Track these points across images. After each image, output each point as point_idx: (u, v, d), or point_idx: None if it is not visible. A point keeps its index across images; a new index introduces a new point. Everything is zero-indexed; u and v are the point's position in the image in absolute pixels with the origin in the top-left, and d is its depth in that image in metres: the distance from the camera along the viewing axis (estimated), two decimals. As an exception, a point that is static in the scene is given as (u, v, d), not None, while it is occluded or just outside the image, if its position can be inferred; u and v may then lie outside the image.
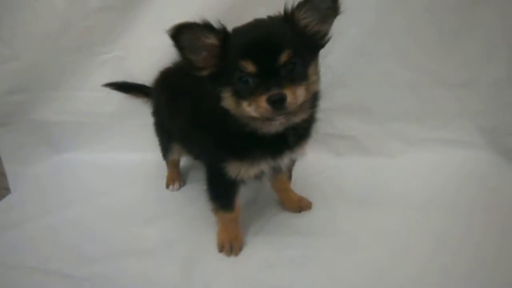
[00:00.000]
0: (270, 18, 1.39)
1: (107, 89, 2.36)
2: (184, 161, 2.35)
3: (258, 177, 1.63)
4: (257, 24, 1.38)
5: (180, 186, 2.22)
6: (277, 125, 1.41)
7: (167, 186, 2.21)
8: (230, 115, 1.41)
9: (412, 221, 1.82)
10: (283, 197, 1.96)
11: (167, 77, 1.98)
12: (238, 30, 1.37)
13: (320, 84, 1.44)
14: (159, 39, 2.11)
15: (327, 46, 1.40)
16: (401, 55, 2.12)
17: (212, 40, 1.30)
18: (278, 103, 1.24)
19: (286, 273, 1.57)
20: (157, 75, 2.06)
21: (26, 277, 1.64)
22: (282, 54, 1.25)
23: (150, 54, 2.24)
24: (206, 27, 1.29)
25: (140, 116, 2.41)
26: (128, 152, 2.48)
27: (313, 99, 1.46)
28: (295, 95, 1.27)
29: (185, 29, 1.27)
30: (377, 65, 2.15)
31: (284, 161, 1.58)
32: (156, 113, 2.11)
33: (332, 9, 1.31)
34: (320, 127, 2.29)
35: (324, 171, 2.23)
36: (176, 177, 2.23)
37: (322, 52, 1.42)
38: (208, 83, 1.41)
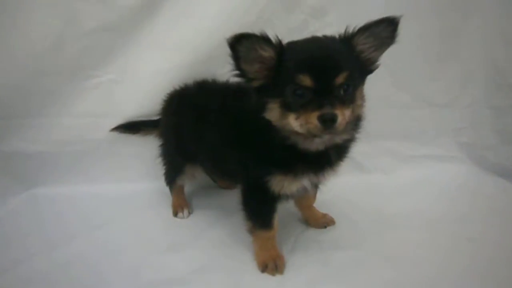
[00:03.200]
0: (327, 38, 1.43)
1: (97, 114, 2.21)
2: (187, 188, 2.24)
3: (300, 192, 1.63)
4: (316, 41, 1.43)
5: (189, 213, 2.09)
6: (318, 143, 1.44)
7: (175, 214, 2.07)
8: (271, 127, 1.41)
9: (421, 232, 1.91)
10: (307, 214, 1.96)
11: (187, 95, 1.92)
12: (295, 45, 1.40)
13: (364, 107, 1.52)
14: (158, 61, 2.15)
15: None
16: (392, 78, 2.31)
17: (268, 52, 1.33)
18: (329, 122, 1.26)
19: (339, 286, 1.55)
20: (171, 94, 2.00)
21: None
22: (340, 75, 1.29)
23: (147, 77, 2.17)
24: (264, 39, 1.31)
25: (132, 142, 2.29)
26: (121, 181, 2.31)
27: (356, 121, 1.53)
28: (344, 117, 1.31)
29: (244, 39, 1.29)
30: (371, 88, 2.31)
31: (325, 177, 1.61)
32: (169, 134, 2.02)
33: (389, 38, 1.37)
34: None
35: (331, 190, 2.25)
36: (184, 204, 2.10)
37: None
38: (254, 94, 1.43)
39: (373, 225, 1.96)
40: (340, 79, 1.29)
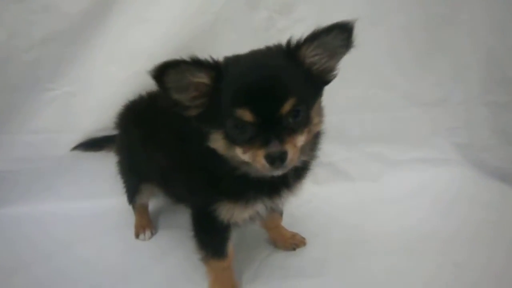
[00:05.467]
0: (270, 52, 1.23)
1: (56, 129, 2.07)
2: (153, 205, 2.09)
3: (253, 219, 1.45)
4: (255, 61, 1.20)
5: (152, 234, 1.94)
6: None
7: (137, 236, 1.92)
8: (218, 156, 1.23)
9: (403, 255, 1.71)
10: (275, 235, 1.78)
11: (140, 109, 1.76)
12: (233, 67, 1.17)
13: (323, 123, 1.31)
14: (114, 71, 1.99)
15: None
16: (374, 76, 2.09)
17: (202, 78, 1.12)
18: (277, 161, 1.08)
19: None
20: (125, 107, 1.84)
21: None
22: (286, 103, 1.10)
23: (104, 88, 2.02)
24: (195, 64, 1.10)
25: (95, 157, 2.15)
26: (82, 200, 2.16)
27: (315, 139, 1.34)
28: (297, 148, 1.13)
29: (170, 69, 1.08)
30: (352, 88, 2.09)
31: (282, 200, 1.42)
32: (123, 151, 1.86)
33: (344, 46, 1.16)
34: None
35: (310, 202, 2.08)
36: (146, 224, 1.95)
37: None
38: (195, 122, 1.22)
39: (349, 245, 1.76)
40: (287, 107, 1.10)
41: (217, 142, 1.20)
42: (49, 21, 1.88)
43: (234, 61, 1.21)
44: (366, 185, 2.20)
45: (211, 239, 1.48)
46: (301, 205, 2.03)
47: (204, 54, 1.16)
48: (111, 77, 1.99)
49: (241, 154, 1.15)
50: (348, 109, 2.13)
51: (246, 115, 1.09)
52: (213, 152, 1.23)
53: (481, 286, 1.51)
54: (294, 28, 1.97)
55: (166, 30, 1.90)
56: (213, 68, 1.13)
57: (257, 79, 1.12)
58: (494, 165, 2.11)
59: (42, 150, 2.10)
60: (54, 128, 2.07)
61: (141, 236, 1.92)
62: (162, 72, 1.08)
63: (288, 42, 1.18)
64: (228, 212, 1.34)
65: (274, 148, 1.07)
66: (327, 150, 2.13)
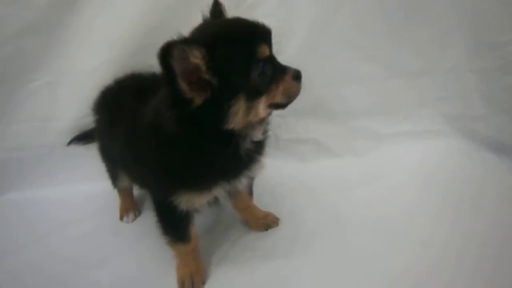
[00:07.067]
0: (218, 19, 1.37)
1: (44, 118, 2.14)
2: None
3: (213, 203, 1.46)
4: (234, 20, 1.31)
5: (136, 217, 2.00)
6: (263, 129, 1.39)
7: (121, 218, 1.99)
8: (227, 135, 1.22)
9: (392, 229, 1.67)
10: (246, 216, 1.79)
11: (108, 96, 1.79)
12: (219, 34, 1.19)
13: None
14: (89, 59, 2.01)
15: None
16: (353, 48, 2.00)
17: (198, 58, 1.07)
18: (299, 78, 1.28)
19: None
20: (101, 93, 1.86)
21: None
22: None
23: (83, 76, 2.05)
24: (189, 42, 1.06)
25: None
26: (75, 183, 2.24)
27: None
28: None
29: (173, 49, 1.01)
30: (330, 62, 2.02)
31: (242, 181, 1.43)
32: (100, 137, 1.90)
33: None
34: (281, 134, 2.17)
35: (290, 180, 2.06)
36: (130, 207, 2.01)
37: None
38: (201, 113, 1.15)
39: (323, 225, 1.75)
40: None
41: (239, 112, 1.17)
42: (21, 13, 1.91)
43: (211, 33, 1.21)
44: (351, 161, 2.14)
45: (173, 225, 1.51)
46: (281, 185, 2.03)
47: (174, 34, 1.09)
48: (87, 65, 2.02)
49: (262, 105, 1.22)
50: (329, 83, 2.06)
51: (266, 50, 1.21)
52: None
53: (462, 267, 1.46)
54: (264, 3, 1.91)
55: (132, 15, 1.91)
56: (203, 44, 1.08)
57: (255, 25, 1.25)
58: (487, 135, 1.99)
59: (31, 139, 2.17)
60: (43, 116, 2.13)
61: (125, 218, 1.98)
62: (167, 52, 1.01)
63: (219, 11, 1.40)
64: (187, 201, 1.36)
65: (293, 69, 1.29)
66: (309, 126, 2.16)
